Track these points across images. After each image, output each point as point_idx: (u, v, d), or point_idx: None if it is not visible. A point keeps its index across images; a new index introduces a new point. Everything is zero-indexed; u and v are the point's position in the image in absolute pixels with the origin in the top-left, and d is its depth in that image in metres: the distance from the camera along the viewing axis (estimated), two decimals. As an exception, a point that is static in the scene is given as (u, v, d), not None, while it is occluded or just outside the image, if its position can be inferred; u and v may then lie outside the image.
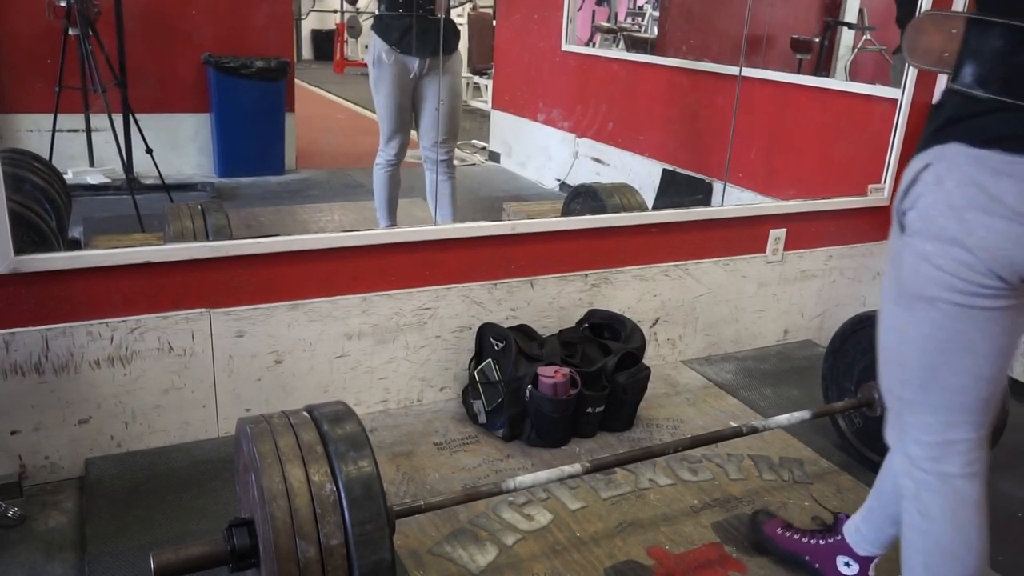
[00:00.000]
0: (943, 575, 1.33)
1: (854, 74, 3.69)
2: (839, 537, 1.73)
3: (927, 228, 1.21)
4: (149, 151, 3.41)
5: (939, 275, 1.21)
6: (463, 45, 3.60)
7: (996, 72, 1.15)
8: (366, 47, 3.24)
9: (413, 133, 3.35)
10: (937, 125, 1.21)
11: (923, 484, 1.34)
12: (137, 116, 3.47)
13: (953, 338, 1.23)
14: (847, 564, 1.72)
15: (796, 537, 1.82)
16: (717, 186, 3.43)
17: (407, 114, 3.24)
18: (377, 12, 3.14)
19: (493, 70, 5.42)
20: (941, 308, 1.22)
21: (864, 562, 1.70)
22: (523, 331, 2.44)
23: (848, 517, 1.75)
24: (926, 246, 1.22)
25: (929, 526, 1.33)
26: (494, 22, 5.19)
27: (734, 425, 2.12)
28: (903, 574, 1.42)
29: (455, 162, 3.42)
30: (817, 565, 1.76)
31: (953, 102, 1.20)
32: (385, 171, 3.30)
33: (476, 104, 6.11)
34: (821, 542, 1.77)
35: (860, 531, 1.70)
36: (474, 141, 5.48)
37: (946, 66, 1.23)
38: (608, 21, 6.39)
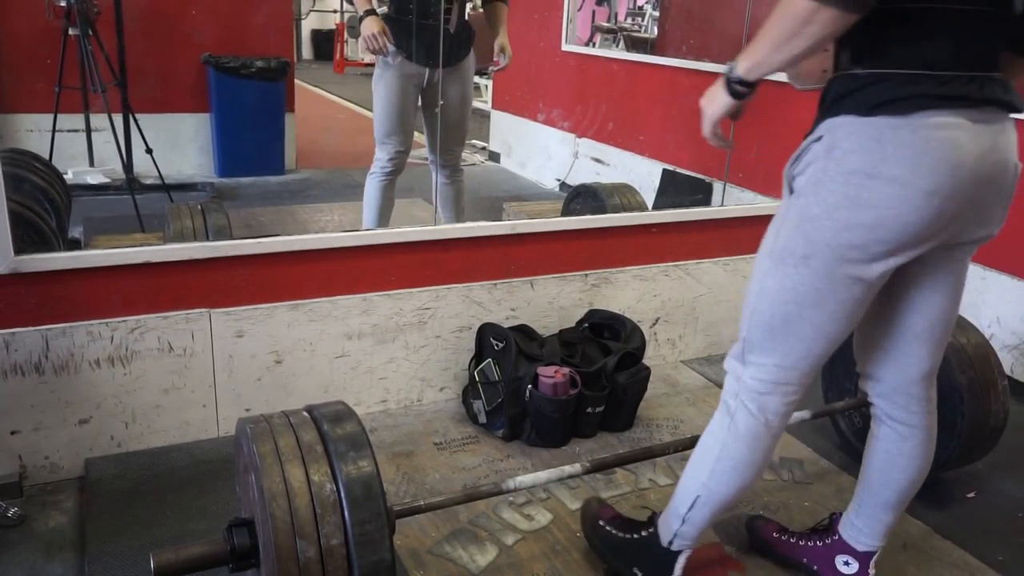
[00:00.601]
0: (725, 481, 1.50)
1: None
2: (836, 537, 1.73)
3: (815, 191, 1.31)
4: (149, 151, 3.41)
5: (817, 235, 1.31)
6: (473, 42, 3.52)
7: (866, 50, 1.26)
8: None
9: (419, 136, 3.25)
10: (827, 104, 1.31)
11: (742, 409, 1.48)
12: (137, 116, 3.48)
13: (811, 295, 1.35)
14: (846, 563, 1.71)
15: (793, 540, 1.81)
16: (717, 186, 3.43)
17: (407, 119, 3.02)
18: (386, 11, 2.95)
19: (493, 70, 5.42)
20: (811, 266, 1.33)
21: (863, 558, 1.69)
22: (523, 331, 2.44)
23: (843, 515, 1.75)
24: (812, 208, 1.31)
25: (732, 443, 1.49)
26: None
27: (734, 425, 2.12)
28: (688, 470, 1.56)
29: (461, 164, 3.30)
30: (816, 567, 1.76)
31: (837, 83, 1.30)
32: (378, 181, 3.04)
33: (476, 104, 6.11)
34: (818, 544, 1.76)
35: (855, 526, 1.70)
36: (474, 141, 5.49)
37: (827, 81, 1.36)
38: (608, 21, 6.39)
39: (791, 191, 1.36)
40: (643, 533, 1.69)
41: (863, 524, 1.68)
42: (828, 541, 1.74)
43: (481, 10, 3.24)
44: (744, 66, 1.30)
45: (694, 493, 1.54)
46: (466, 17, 3.01)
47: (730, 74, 1.32)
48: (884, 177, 1.24)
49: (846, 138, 1.27)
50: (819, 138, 1.31)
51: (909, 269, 1.41)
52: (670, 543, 1.61)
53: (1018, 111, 1.31)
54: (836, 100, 1.29)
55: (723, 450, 1.50)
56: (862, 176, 1.25)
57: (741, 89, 1.32)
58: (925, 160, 1.22)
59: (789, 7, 1.18)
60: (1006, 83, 1.30)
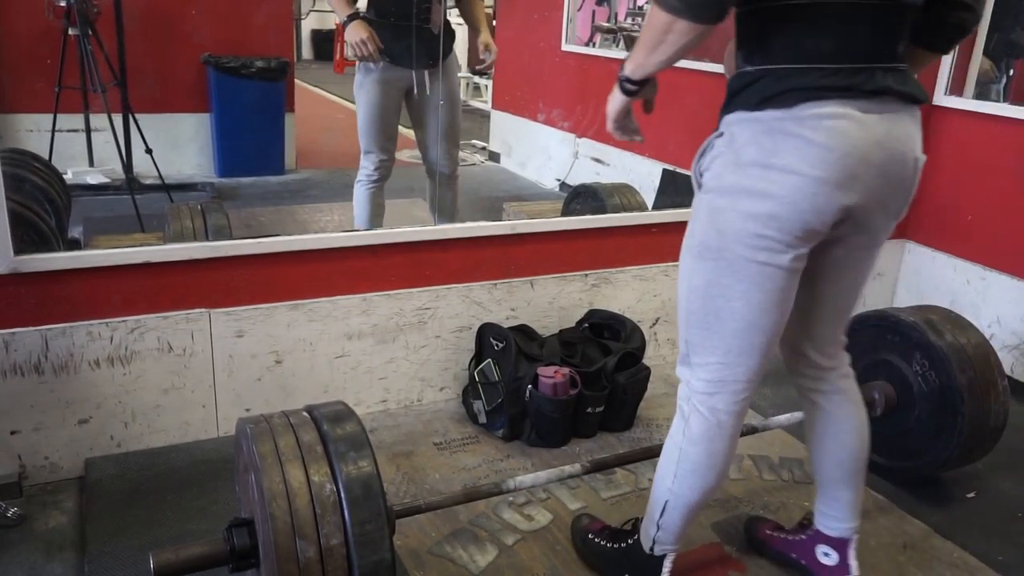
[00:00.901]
0: (688, 484, 1.53)
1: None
2: (814, 528, 1.78)
3: (719, 185, 1.36)
4: (149, 151, 3.41)
5: (727, 227, 1.35)
6: (463, 45, 3.51)
7: (756, 49, 1.32)
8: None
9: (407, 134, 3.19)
10: (725, 102, 1.37)
11: (694, 412, 1.51)
12: (137, 116, 3.47)
13: (734, 287, 1.38)
14: (826, 553, 1.75)
15: (783, 537, 1.85)
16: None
17: (391, 127, 2.94)
18: (365, 15, 2.81)
19: (493, 70, 5.42)
20: (727, 259, 1.37)
21: (840, 545, 1.73)
22: (523, 331, 2.44)
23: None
24: (719, 201, 1.37)
25: (688, 446, 1.52)
26: (494, 22, 5.19)
27: (734, 425, 2.12)
28: (656, 476, 1.60)
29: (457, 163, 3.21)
30: (804, 561, 1.80)
31: (732, 81, 1.37)
32: (365, 188, 2.97)
33: (476, 104, 6.11)
34: (803, 537, 1.80)
35: (822, 511, 1.74)
36: (474, 141, 5.48)
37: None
38: (608, 21, 6.38)
39: (699, 187, 1.41)
40: (628, 542, 1.71)
41: (826, 507, 1.72)
42: (810, 533, 1.79)
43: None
44: (629, 68, 1.39)
45: (663, 499, 1.57)
46: (447, 16, 2.98)
47: (620, 74, 1.42)
48: (777, 168, 1.28)
49: (741, 132, 1.32)
50: (720, 134, 1.37)
51: (816, 254, 1.43)
52: (651, 549, 1.64)
53: (918, 102, 1.34)
54: (731, 97, 1.35)
55: (681, 454, 1.53)
56: (758, 168, 1.30)
57: (630, 87, 1.41)
58: (812, 149, 1.26)
59: (652, 18, 1.28)
60: (905, 74, 1.32)
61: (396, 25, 2.83)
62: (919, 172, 1.38)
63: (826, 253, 1.45)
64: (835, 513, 1.70)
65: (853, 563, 1.71)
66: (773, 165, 1.29)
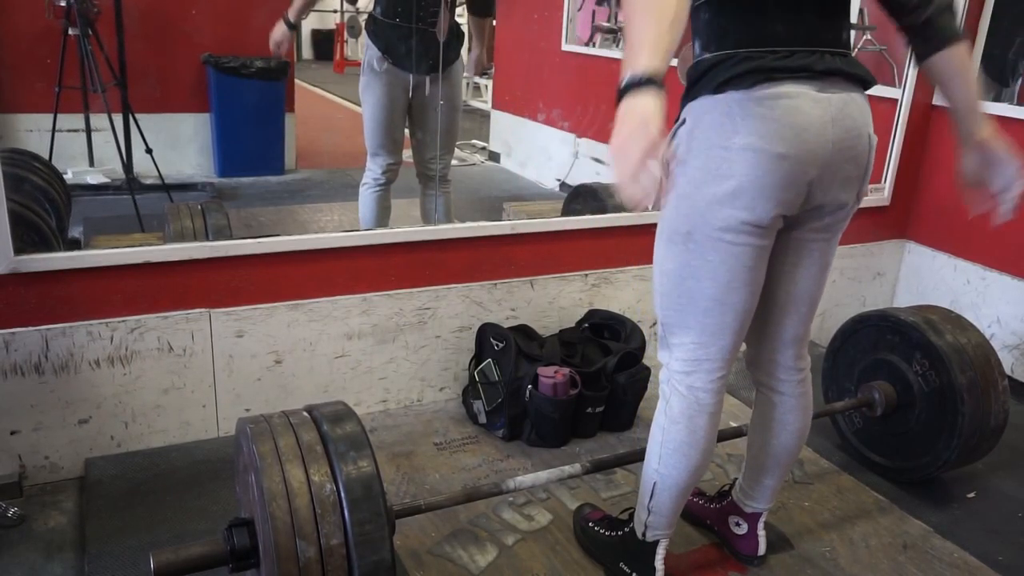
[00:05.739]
0: (673, 464, 1.57)
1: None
2: (730, 499, 1.85)
3: (683, 171, 1.39)
4: (149, 151, 3.41)
5: (692, 211, 1.39)
6: (463, 46, 3.48)
7: (713, 37, 1.38)
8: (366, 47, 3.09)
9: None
10: (685, 91, 1.42)
11: (674, 392, 1.55)
12: (137, 116, 3.47)
13: (704, 268, 1.42)
14: (737, 524, 1.84)
15: (701, 503, 1.94)
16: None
17: (398, 130, 2.91)
18: (371, 13, 2.79)
19: (493, 70, 5.41)
20: (695, 241, 1.41)
21: (751, 519, 1.81)
22: (523, 331, 2.44)
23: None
24: (684, 187, 1.40)
25: (671, 426, 1.56)
26: (494, 22, 5.18)
27: (734, 425, 2.12)
28: (645, 459, 1.63)
29: (453, 163, 3.18)
30: (717, 528, 1.89)
31: (691, 70, 1.41)
32: (372, 192, 2.92)
33: (476, 104, 6.11)
34: (717, 506, 1.89)
35: (742, 488, 1.81)
36: (474, 141, 5.48)
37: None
38: (608, 21, 6.38)
39: (666, 175, 1.37)
40: (625, 530, 1.75)
41: (748, 486, 1.80)
42: (725, 503, 1.87)
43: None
44: (643, 63, 1.10)
45: (651, 481, 1.61)
46: (456, 20, 2.94)
47: (629, 81, 1.10)
48: (737, 147, 1.33)
49: (702, 117, 1.37)
50: (683, 121, 1.41)
51: (777, 242, 1.49)
52: (644, 535, 1.67)
53: (867, 84, 1.41)
54: (691, 85, 1.40)
55: (665, 434, 1.57)
56: (719, 149, 1.34)
57: (655, 85, 1.11)
58: (770, 126, 1.31)
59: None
60: (851, 58, 1.40)
61: (400, 27, 2.78)
62: (873, 149, 1.44)
63: (789, 238, 1.50)
64: (755, 494, 1.79)
65: (761, 534, 1.80)
66: (734, 145, 1.33)
